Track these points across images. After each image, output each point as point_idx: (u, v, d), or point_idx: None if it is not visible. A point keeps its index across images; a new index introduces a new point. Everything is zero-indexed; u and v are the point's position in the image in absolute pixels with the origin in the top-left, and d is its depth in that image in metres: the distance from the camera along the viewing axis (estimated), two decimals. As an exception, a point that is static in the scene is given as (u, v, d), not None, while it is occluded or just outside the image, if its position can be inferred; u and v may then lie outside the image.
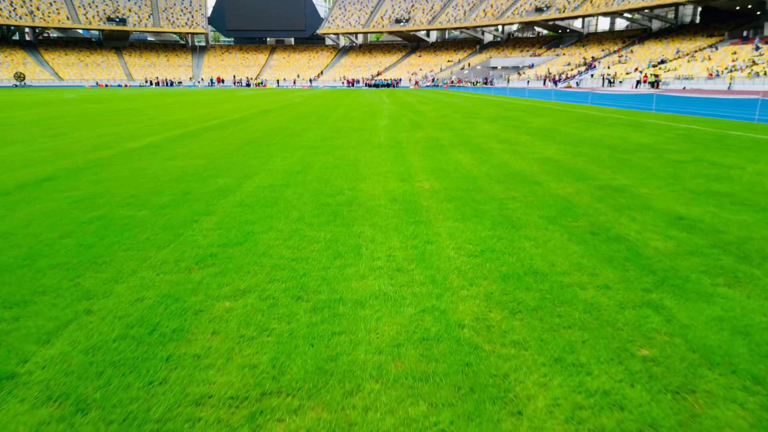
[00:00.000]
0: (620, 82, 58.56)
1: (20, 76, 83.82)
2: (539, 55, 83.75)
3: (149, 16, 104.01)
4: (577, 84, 64.16)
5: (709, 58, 56.69)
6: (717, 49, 59.36)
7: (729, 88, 46.71)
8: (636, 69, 61.37)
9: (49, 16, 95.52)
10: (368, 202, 5.90)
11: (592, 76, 65.21)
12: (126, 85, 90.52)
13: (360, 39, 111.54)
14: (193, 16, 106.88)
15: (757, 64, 49.35)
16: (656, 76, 53.88)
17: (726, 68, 51.77)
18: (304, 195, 6.19)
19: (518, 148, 10.59)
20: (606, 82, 59.94)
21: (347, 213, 5.39)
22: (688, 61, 58.83)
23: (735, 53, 55.08)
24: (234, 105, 29.01)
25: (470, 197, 6.12)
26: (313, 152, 9.97)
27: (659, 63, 61.87)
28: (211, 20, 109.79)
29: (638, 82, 54.65)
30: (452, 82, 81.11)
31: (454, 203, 5.81)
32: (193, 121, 17.88)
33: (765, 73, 45.98)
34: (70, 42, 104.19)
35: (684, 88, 49.59)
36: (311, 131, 14.26)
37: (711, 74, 51.58)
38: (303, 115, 20.56)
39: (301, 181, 7.10)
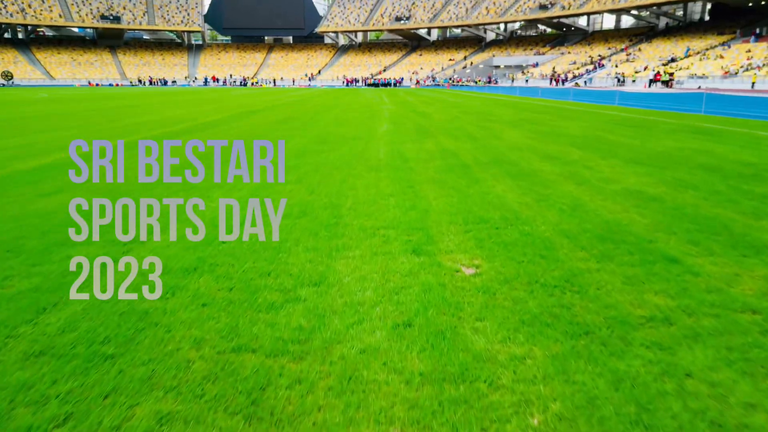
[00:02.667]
0: (633, 81, 55.16)
1: (7, 75, 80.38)
2: (543, 53, 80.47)
3: (144, 14, 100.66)
4: (585, 83, 60.81)
5: (722, 57, 53.71)
6: (729, 47, 56.46)
7: (753, 86, 43.51)
8: (645, 68, 58.18)
9: (41, 14, 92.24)
10: (348, 333, 2.59)
11: (593, 75, 62.04)
12: (117, 84, 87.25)
13: (359, 38, 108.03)
14: (189, 14, 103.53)
15: (774, 62, 46.29)
16: (670, 74, 50.54)
17: (741, 67, 48.75)
18: (208, 309, 2.88)
19: (579, 170, 7.28)
20: (616, 80, 56.69)
21: (287, 404, 2.08)
22: (700, 60, 55.83)
23: (749, 51, 52.03)
24: (218, 105, 25.69)
25: (568, 311, 2.83)
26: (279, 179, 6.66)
27: (669, 61, 58.79)
28: (208, 18, 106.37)
29: (651, 81, 51.27)
30: (453, 81, 77.64)
31: (549, 343, 2.50)
32: (156, 125, 14.59)
33: (787, 72, 42.87)
34: (64, 40, 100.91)
35: (699, 87, 46.25)
36: (291, 140, 10.96)
37: (726, 73, 48.57)
38: (290, 118, 17.27)
39: (225, 255, 3.80)
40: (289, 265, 3.58)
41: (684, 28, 69.97)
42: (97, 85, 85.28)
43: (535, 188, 6.10)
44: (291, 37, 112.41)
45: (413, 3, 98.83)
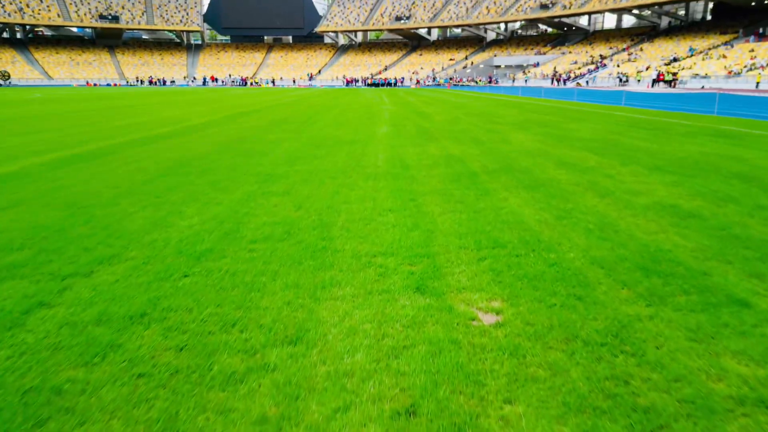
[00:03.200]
0: (638, 81, 54.39)
1: (5, 75, 79.68)
2: (544, 53, 79.77)
3: (143, 14, 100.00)
4: (587, 83, 60.08)
5: (725, 56, 53.14)
6: (732, 46, 55.94)
7: (757, 86, 42.82)
8: (647, 67, 57.48)
9: (39, 14, 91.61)
10: (329, 428, 1.87)
11: (595, 74, 61.39)
12: (116, 84, 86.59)
13: (359, 37, 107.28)
14: (188, 14, 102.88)
15: (779, 62, 45.68)
16: (674, 74, 49.79)
17: (745, 66, 48.13)
18: (144, 383, 2.14)
19: (599, 179, 6.55)
20: (618, 80, 55.99)
21: None
22: (703, 59, 55.22)
23: (752, 51, 51.42)
24: (214, 106, 24.98)
25: (627, 387, 2.10)
26: (263, 190, 5.94)
27: (672, 61, 58.13)
28: (207, 18, 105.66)
29: (654, 81, 50.50)
30: (453, 81, 76.87)
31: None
32: (143, 127, 13.85)
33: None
34: (62, 40, 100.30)
35: (702, 87, 45.50)
36: (283, 144, 10.24)
37: (730, 72, 47.95)
38: (284, 119, 16.55)
39: (184, 294, 3.07)
40: (262, 310, 2.85)
41: (686, 28, 69.40)
42: (95, 85, 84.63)
43: (553, 202, 5.37)
44: (290, 37, 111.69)
45: (413, 2, 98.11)
